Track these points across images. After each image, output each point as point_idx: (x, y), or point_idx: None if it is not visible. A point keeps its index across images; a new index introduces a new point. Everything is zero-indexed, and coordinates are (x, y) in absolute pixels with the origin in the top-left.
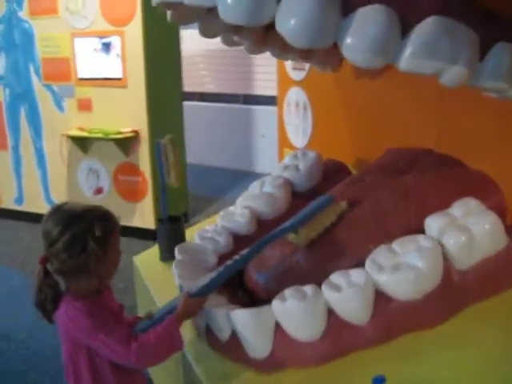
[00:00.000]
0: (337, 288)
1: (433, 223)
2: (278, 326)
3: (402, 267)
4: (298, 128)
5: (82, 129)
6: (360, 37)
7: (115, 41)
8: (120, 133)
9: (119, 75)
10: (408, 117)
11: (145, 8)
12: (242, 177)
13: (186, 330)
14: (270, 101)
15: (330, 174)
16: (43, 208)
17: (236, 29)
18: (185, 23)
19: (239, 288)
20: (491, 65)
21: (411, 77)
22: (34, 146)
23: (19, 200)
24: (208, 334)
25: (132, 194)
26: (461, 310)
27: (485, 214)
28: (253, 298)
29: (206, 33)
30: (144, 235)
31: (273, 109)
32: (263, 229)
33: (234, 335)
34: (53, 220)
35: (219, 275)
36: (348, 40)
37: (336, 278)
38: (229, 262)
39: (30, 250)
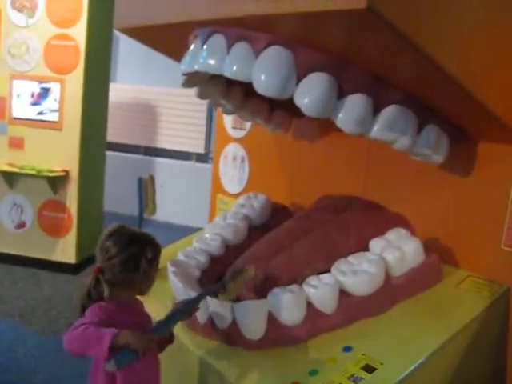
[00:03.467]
0: (314, 286)
1: (376, 244)
2: (270, 314)
3: (358, 272)
4: (234, 177)
5: (12, 164)
6: (348, 114)
7: (54, 87)
8: (52, 171)
9: (55, 119)
10: (337, 171)
11: (87, 60)
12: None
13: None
14: (170, 154)
15: (276, 212)
16: None
17: (225, 94)
18: (189, 87)
19: None
20: (423, 137)
21: (342, 139)
22: None
23: None
24: (207, 323)
25: (55, 230)
26: (396, 303)
27: (411, 239)
28: None
29: (202, 95)
30: (65, 269)
31: (172, 162)
32: (229, 252)
33: (234, 323)
34: (113, 239)
35: (167, 322)
36: (340, 115)
37: (312, 279)
38: (175, 309)
39: None
